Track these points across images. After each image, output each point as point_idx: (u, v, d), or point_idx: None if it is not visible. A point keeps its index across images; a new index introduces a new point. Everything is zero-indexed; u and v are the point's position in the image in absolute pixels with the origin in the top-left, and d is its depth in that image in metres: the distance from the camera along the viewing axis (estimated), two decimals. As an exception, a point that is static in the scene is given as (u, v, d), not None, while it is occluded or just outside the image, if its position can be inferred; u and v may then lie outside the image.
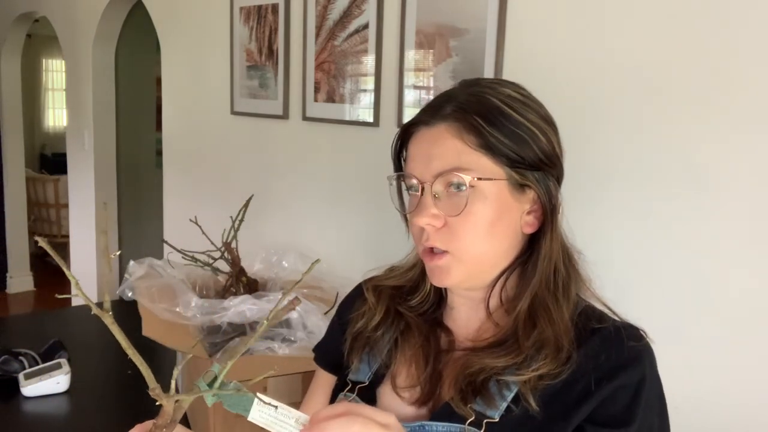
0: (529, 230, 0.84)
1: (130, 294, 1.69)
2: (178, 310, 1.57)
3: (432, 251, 0.80)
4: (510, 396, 0.76)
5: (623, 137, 1.30)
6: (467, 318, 0.87)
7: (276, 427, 0.66)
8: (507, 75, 1.49)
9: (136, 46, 3.91)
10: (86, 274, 3.89)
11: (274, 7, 2.18)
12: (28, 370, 1.56)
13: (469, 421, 0.76)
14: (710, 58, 1.17)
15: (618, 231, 1.32)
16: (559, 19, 1.39)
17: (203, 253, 1.72)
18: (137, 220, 4.17)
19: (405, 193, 0.87)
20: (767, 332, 1.13)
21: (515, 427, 0.75)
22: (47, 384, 1.52)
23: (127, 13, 3.51)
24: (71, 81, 3.90)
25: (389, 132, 1.81)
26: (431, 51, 1.66)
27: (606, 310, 0.85)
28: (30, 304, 4.89)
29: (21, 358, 1.59)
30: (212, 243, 1.70)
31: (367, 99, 1.85)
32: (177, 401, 0.64)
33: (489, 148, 0.78)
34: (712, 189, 1.18)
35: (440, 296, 0.90)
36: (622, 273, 1.32)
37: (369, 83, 1.85)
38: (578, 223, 1.38)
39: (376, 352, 0.88)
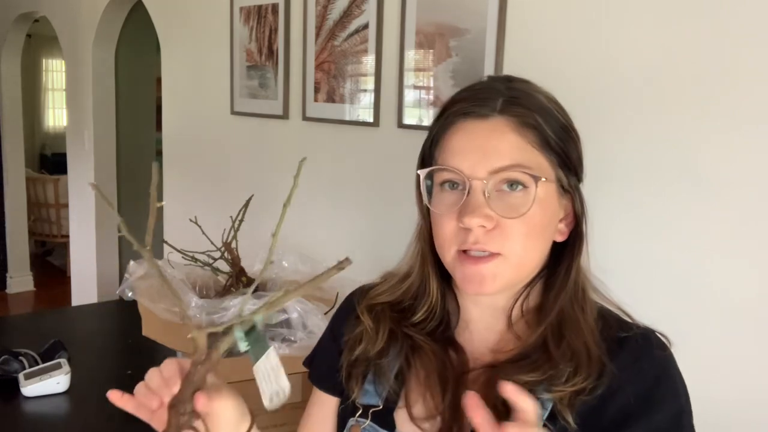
0: (560, 238, 0.78)
1: (130, 294, 1.69)
2: (178, 310, 1.57)
3: (468, 254, 0.72)
4: (545, 415, 0.71)
5: (623, 137, 1.30)
6: (485, 331, 0.80)
7: (264, 384, 0.66)
8: (507, 75, 1.49)
9: (136, 46, 3.91)
10: (86, 274, 3.89)
11: (274, 7, 2.18)
12: (28, 370, 1.56)
13: None
14: (710, 58, 1.17)
15: (617, 230, 1.32)
16: (559, 19, 1.39)
17: (203, 253, 1.72)
18: (137, 220, 4.16)
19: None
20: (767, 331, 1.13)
21: None
22: (47, 384, 1.52)
23: (127, 13, 3.51)
24: (71, 81, 3.90)
25: (389, 132, 1.81)
26: (431, 51, 1.66)
27: (618, 312, 0.81)
28: (30, 304, 4.88)
29: (21, 358, 1.59)
30: (212, 243, 1.69)
31: (367, 99, 1.85)
32: (214, 343, 0.63)
33: (547, 146, 0.73)
34: (711, 188, 1.18)
35: (445, 309, 0.82)
36: (621, 273, 1.32)
37: (369, 83, 1.84)
38: (578, 223, 1.39)
39: (382, 378, 0.79)
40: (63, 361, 1.61)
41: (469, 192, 0.71)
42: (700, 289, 1.21)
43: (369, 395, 0.80)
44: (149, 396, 0.67)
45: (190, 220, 1.73)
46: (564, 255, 0.78)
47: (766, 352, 1.13)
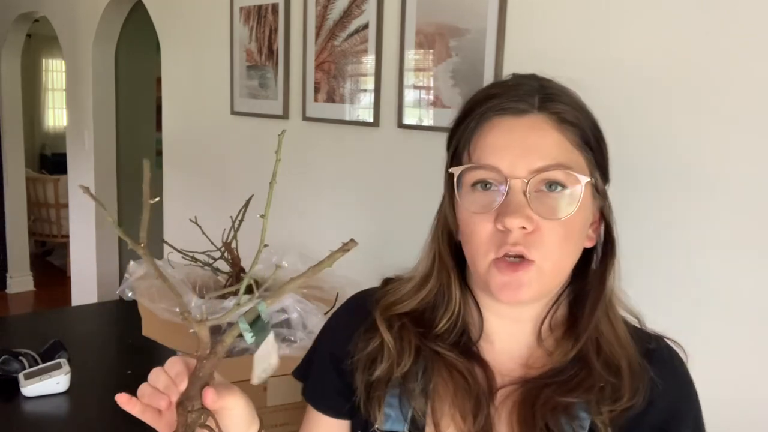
0: (589, 244, 0.74)
1: (130, 294, 1.69)
2: (178, 310, 1.57)
3: (504, 260, 0.67)
4: None
5: (622, 137, 1.30)
6: (511, 344, 0.75)
7: (257, 363, 0.65)
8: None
9: (136, 46, 3.91)
10: (86, 274, 3.89)
11: (274, 7, 2.18)
12: (28, 370, 1.56)
13: None
14: (710, 58, 1.17)
15: (618, 230, 1.32)
16: (559, 19, 1.39)
17: (203, 253, 1.72)
18: (137, 220, 4.16)
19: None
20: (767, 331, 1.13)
21: None
22: (47, 384, 1.52)
23: (127, 13, 3.51)
24: (71, 81, 3.90)
25: (389, 132, 1.81)
26: (431, 51, 1.66)
27: (635, 320, 0.78)
28: (30, 304, 4.88)
29: (21, 358, 1.59)
30: (212, 243, 1.70)
31: (367, 99, 1.85)
32: (217, 336, 0.62)
33: (586, 145, 0.70)
34: (711, 189, 1.18)
35: (464, 320, 0.76)
36: (622, 272, 1.32)
37: (369, 83, 1.84)
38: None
39: (407, 397, 0.72)
40: (63, 361, 1.60)
41: (508, 192, 0.66)
42: (701, 290, 1.21)
43: (392, 420, 0.72)
44: (156, 396, 0.64)
45: (190, 220, 1.73)
46: (597, 262, 0.74)
47: (766, 351, 1.13)
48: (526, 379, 0.72)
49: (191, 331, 0.61)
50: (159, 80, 3.22)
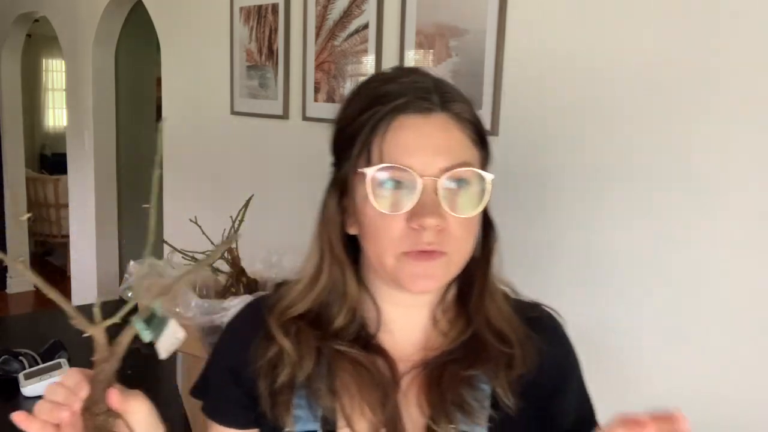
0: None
1: (130, 294, 1.68)
2: (178, 310, 1.57)
3: (421, 253, 0.69)
4: (488, 403, 0.73)
5: (623, 137, 1.30)
6: (409, 331, 0.78)
7: (161, 343, 0.66)
8: (507, 75, 1.49)
9: (136, 46, 3.91)
10: (86, 274, 3.89)
11: (274, 7, 2.18)
12: (28, 370, 1.56)
13: None
14: (710, 58, 1.17)
15: (619, 231, 1.32)
16: (559, 19, 1.39)
17: (203, 253, 1.72)
18: (137, 220, 4.17)
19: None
20: None
21: None
22: (47, 384, 1.52)
23: (127, 13, 3.51)
24: (71, 81, 3.90)
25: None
26: (431, 51, 1.66)
27: (509, 290, 0.81)
28: (30, 304, 4.88)
29: (21, 358, 1.59)
30: (212, 243, 1.69)
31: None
32: (113, 340, 0.63)
33: (482, 142, 0.74)
34: (712, 189, 1.18)
35: (361, 314, 0.77)
36: (622, 273, 1.32)
37: (369, 83, 1.84)
38: (578, 222, 1.39)
39: (314, 398, 0.73)
40: (63, 361, 1.61)
41: (422, 191, 0.68)
42: (701, 290, 1.21)
43: (303, 421, 0.73)
44: (56, 410, 0.63)
45: (190, 220, 1.73)
46: (481, 246, 0.77)
47: (766, 351, 1.13)
48: (427, 361, 0.75)
49: (84, 335, 0.62)
50: (159, 80, 3.23)
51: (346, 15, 1.91)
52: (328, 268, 0.76)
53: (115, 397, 0.64)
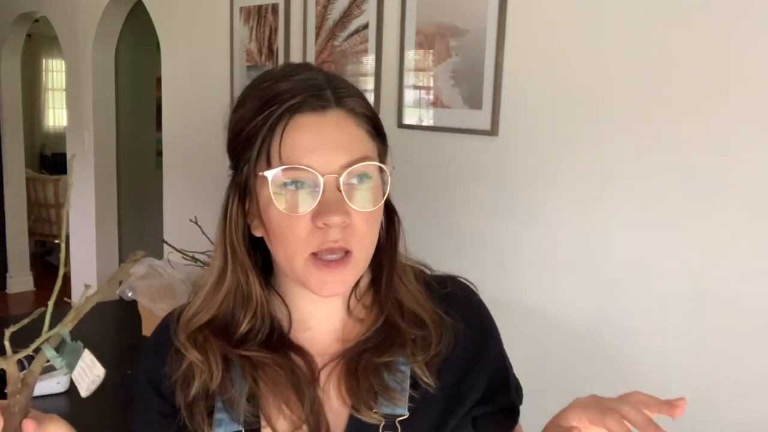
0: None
1: (130, 294, 1.69)
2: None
3: (319, 257, 0.69)
4: (407, 384, 0.74)
5: (623, 137, 1.30)
6: (325, 325, 0.78)
7: (80, 380, 0.66)
8: (507, 75, 1.49)
9: (136, 46, 3.91)
10: (86, 274, 3.89)
11: (274, 7, 2.18)
12: (28, 370, 1.56)
13: (382, 425, 0.72)
14: (711, 58, 1.17)
15: (618, 231, 1.32)
16: (559, 18, 1.39)
17: (203, 253, 1.72)
18: (137, 220, 4.17)
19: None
20: None
21: (423, 413, 0.74)
22: (47, 384, 1.52)
23: (127, 13, 3.51)
24: (71, 81, 3.90)
25: (389, 132, 1.80)
26: (431, 51, 1.66)
27: (420, 266, 0.82)
28: (30, 304, 4.88)
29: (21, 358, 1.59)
30: (212, 243, 1.69)
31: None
32: (26, 370, 0.63)
33: (378, 134, 0.74)
34: (713, 189, 1.18)
35: (271, 314, 0.77)
36: (622, 273, 1.32)
37: (369, 83, 1.84)
38: (578, 222, 1.39)
39: (234, 405, 0.73)
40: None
41: (324, 190, 0.67)
42: (701, 289, 1.21)
43: (226, 424, 0.73)
44: None
45: (190, 220, 1.73)
46: (386, 233, 0.77)
47: (766, 351, 1.13)
48: (344, 352, 0.76)
49: (41, 346, 0.62)
50: (159, 80, 3.23)
51: (346, 15, 1.91)
52: (231, 273, 0.75)
53: (31, 427, 0.64)
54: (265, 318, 0.76)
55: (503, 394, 0.81)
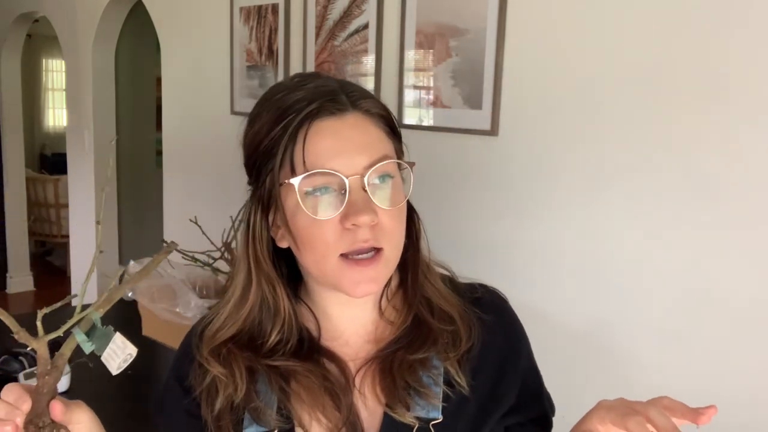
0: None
1: (130, 294, 1.69)
2: (178, 310, 1.57)
3: (350, 258, 0.70)
4: (441, 380, 0.75)
5: (623, 137, 1.30)
6: (357, 328, 0.78)
7: (110, 360, 0.67)
8: (507, 75, 1.49)
9: (136, 46, 3.91)
10: (86, 274, 3.89)
11: (274, 7, 2.18)
12: (28, 370, 1.56)
13: (416, 428, 0.72)
14: (711, 58, 1.17)
15: (618, 231, 1.32)
16: (559, 18, 1.39)
17: (203, 253, 1.72)
18: (137, 220, 4.17)
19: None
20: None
21: (457, 416, 0.74)
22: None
23: (127, 13, 3.51)
24: (71, 81, 3.90)
25: (389, 132, 1.81)
26: (431, 51, 1.66)
27: (447, 272, 0.83)
28: (30, 304, 4.88)
29: (21, 358, 1.59)
30: (212, 243, 1.69)
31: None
32: (57, 352, 0.64)
33: (394, 133, 0.75)
34: (713, 189, 1.18)
35: (299, 324, 0.77)
36: (622, 273, 1.32)
37: (369, 83, 1.84)
38: (577, 222, 1.39)
39: (263, 417, 0.73)
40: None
41: (350, 192, 0.68)
42: (701, 289, 1.21)
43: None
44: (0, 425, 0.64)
45: (190, 220, 1.73)
46: (408, 234, 0.78)
47: (766, 351, 1.13)
48: (377, 353, 0.77)
49: (29, 349, 0.63)
50: (159, 80, 3.22)
51: (346, 15, 1.91)
52: (255, 287, 0.75)
53: (59, 408, 0.65)
54: (293, 329, 0.76)
55: (536, 402, 0.81)
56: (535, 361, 0.84)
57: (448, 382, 0.75)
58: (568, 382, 1.40)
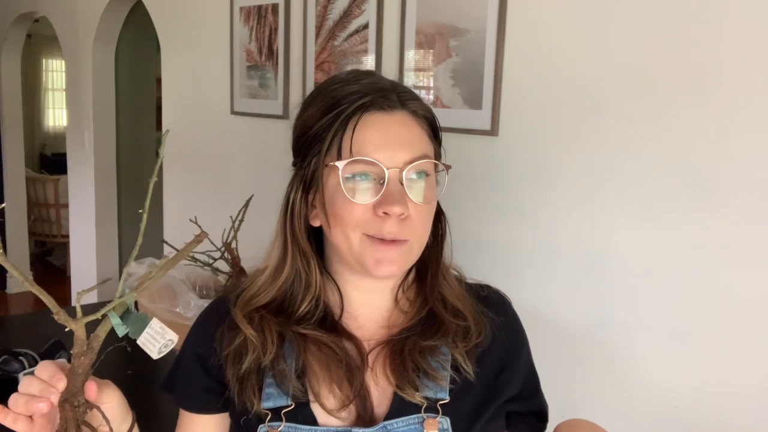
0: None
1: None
2: (178, 310, 1.57)
3: (376, 237, 0.75)
4: (449, 365, 0.80)
5: (622, 137, 1.30)
6: (373, 314, 0.84)
7: (149, 345, 0.69)
8: (507, 75, 1.49)
9: (136, 46, 3.91)
10: (86, 274, 3.89)
11: (274, 7, 2.18)
12: (28, 370, 1.56)
13: (424, 407, 0.77)
14: (711, 58, 1.17)
15: (618, 231, 1.32)
16: (559, 18, 1.39)
17: (203, 253, 1.72)
18: (137, 220, 4.17)
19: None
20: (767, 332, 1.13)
21: (463, 399, 0.79)
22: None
23: (127, 13, 3.51)
24: (71, 81, 3.90)
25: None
26: (431, 51, 1.66)
27: (458, 273, 0.89)
28: (30, 304, 4.88)
29: (21, 358, 1.59)
30: (212, 243, 1.70)
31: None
32: (93, 333, 0.65)
33: (436, 136, 0.81)
34: (712, 189, 1.18)
35: (325, 302, 0.83)
36: (622, 273, 1.32)
37: (369, 83, 1.84)
38: (577, 222, 1.39)
39: (284, 381, 0.78)
40: (63, 361, 1.60)
41: (387, 182, 0.74)
42: (700, 289, 1.21)
43: (275, 398, 0.78)
44: (34, 402, 0.66)
45: (190, 220, 1.73)
46: (434, 233, 0.83)
47: (766, 351, 1.13)
48: (390, 338, 0.82)
49: (67, 329, 0.64)
50: (159, 80, 3.23)
51: (346, 15, 1.91)
52: (291, 259, 0.81)
53: (94, 389, 0.67)
54: (320, 303, 0.82)
55: (535, 397, 0.88)
56: (533, 361, 0.90)
57: (455, 367, 0.79)
58: (567, 382, 1.41)
